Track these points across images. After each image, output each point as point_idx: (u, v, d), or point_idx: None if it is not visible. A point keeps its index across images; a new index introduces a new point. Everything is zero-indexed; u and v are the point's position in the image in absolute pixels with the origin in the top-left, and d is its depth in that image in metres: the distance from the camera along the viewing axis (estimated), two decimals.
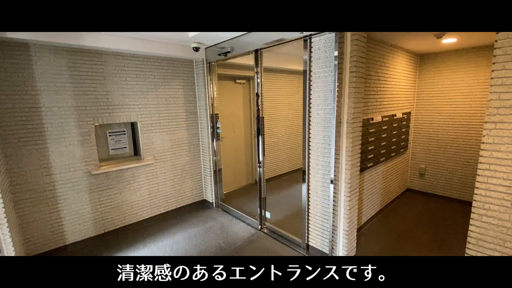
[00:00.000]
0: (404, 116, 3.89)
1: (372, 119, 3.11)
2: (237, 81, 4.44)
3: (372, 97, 3.08)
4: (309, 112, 2.52)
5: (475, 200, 1.67)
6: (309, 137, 2.57)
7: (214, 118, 3.74)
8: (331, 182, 2.39)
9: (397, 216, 3.57)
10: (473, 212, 1.68)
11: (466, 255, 1.75)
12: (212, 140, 3.78)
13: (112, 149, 3.27)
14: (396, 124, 3.69)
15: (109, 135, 3.23)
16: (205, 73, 3.63)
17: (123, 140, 3.35)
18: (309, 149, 2.59)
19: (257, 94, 3.07)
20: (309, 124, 2.55)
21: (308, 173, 2.63)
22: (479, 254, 1.69)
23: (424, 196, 4.26)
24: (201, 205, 4.06)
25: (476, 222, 1.68)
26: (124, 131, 3.35)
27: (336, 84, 2.21)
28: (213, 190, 3.94)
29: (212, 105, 3.71)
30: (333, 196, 2.41)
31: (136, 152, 3.47)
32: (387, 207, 3.84)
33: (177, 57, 3.50)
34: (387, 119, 3.42)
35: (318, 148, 2.50)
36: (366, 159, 3.09)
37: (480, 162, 1.62)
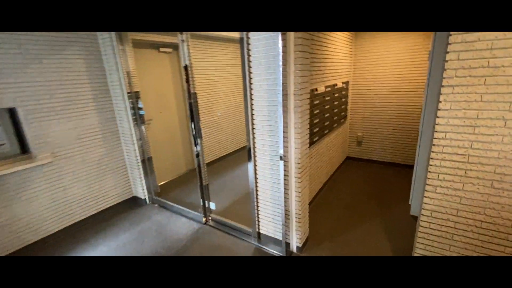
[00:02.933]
0: (343, 85, 3.83)
1: (316, 89, 2.88)
2: (162, 49, 3.66)
3: (315, 65, 2.82)
4: (250, 84, 2.10)
5: (429, 172, 1.57)
6: (252, 114, 2.17)
7: (133, 97, 2.99)
8: (281, 159, 2.08)
9: (341, 186, 3.61)
10: (428, 184, 1.59)
11: (420, 227, 1.69)
12: (135, 124, 3.07)
13: None
14: (337, 94, 3.59)
15: None
16: (113, 38, 2.79)
17: None
18: (253, 128, 2.21)
19: (185, 66, 2.48)
20: (251, 99, 2.14)
21: (254, 155, 2.28)
22: (432, 226, 1.64)
23: (362, 163, 4.47)
24: (132, 203, 3.40)
25: (430, 194, 1.60)
26: None
27: (281, 48, 1.81)
28: (144, 184, 3.30)
29: (129, 81, 2.93)
30: (284, 179, 2.13)
31: (25, 149, 2.54)
32: (331, 177, 3.87)
33: None
34: (329, 89, 3.27)
35: (264, 126, 2.14)
36: (312, 133, 2.89)
37: (436, 131, 1.49)
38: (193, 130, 2.62)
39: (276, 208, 2.30)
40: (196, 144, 2.67)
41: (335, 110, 3.61)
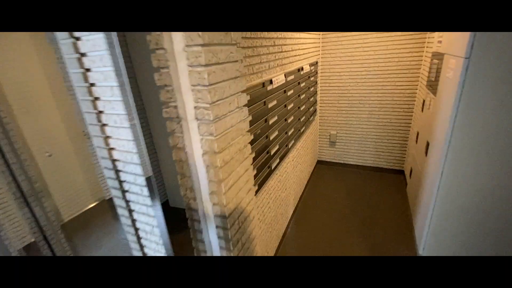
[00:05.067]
0: (311, 68, 2.64)
1: (271, 82, 1.64)
2: None
3: (265, 38, 1.55)
4: (90, 85, 0.78)
5: None
6: (112, 160, 0.87)
7: None
8: None
9: (315, 212, 2.55)
10: None
11: None
12: None
13: None
14: (304, 84, 2.40)
15: None
16: None
17: None
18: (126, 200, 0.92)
19: None
20: (99, 121, 0.83)
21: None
22: None
23: (337, 168, 3.46)
24: None
25: None
26: None
27: None
28: None
29: None
30: None
31: None
32: (301, 200, 2.79)
33: None
34: (292, 77, 2.05)
35: (140, 190, 0.86)
36: (270, 157, 1.70)
37: None
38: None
39: None
40: (28, 205, 1.29)
41: (302, 108, 2.43)
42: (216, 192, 0.73)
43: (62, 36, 0.77)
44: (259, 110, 1.49)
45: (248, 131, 0.87)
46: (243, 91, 0.81)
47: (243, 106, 0.83)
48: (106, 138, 0.88)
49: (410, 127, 2.91)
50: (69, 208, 2.61)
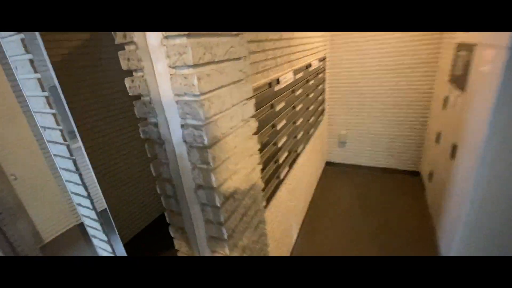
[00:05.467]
0: (320, 64, 2.43)
1: (278, 81, 1.44)
2: None
3: (273, 33, 1.34)
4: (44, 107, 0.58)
5: None
6: None
7: None
8: None
9: (327, 213, 2.37)
10: None
11: None
12: None
13: None
14: (312, 81, 2.19)
15: None
16: None
17: None
18: None
19: None
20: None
21: None
22: None
23: (347, 170, 3.25)
24: None
25: None
26: None
27: None
28: None
29: None
30: None
31: None
32: (312, 201, 2.60)
33: None
34: (301, 74, 1.84)
35: None
36: (278, 166, 1.50)
37: None
38: None
39: None
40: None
41: (311, 108, 2.23)
42: (216, 237, 0.53)
43: (5, 33, 0.58)
44: (266, 115, 1.29)
45: (258, 150, 0.67)
46: (248, 98, 0.61)
47: (250, 117, 0.63)
48: (75, 160, 0.69)
49: (427, 125, 2.69)
50: (50, 228, 2.33)
